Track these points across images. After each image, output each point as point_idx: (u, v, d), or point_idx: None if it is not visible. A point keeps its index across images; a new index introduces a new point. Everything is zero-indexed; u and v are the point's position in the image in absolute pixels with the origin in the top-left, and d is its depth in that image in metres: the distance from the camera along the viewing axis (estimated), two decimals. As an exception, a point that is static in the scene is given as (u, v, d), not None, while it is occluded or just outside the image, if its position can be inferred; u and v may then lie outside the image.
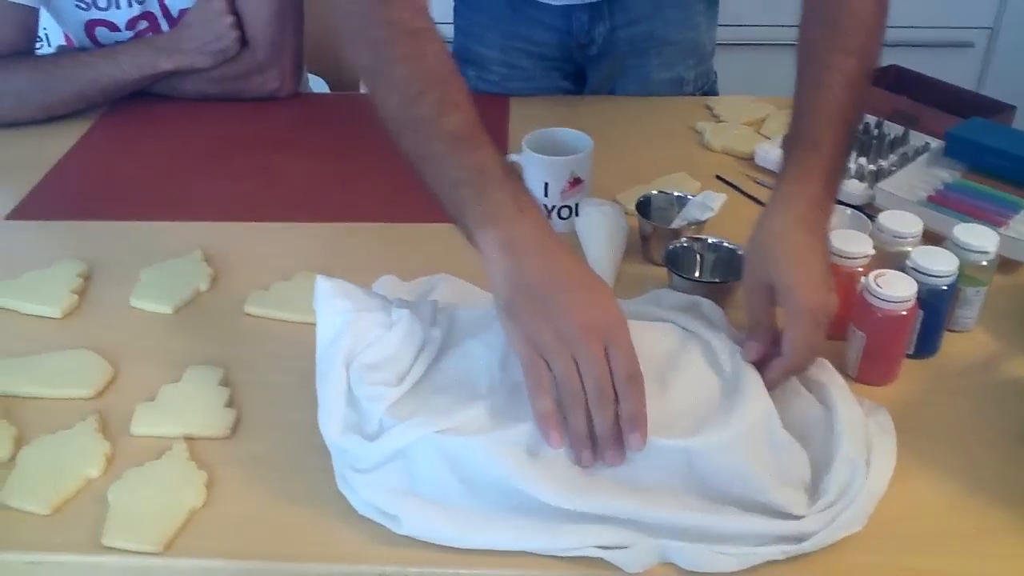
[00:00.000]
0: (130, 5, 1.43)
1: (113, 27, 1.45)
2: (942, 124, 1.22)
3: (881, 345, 0.89)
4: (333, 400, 0.81)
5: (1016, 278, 1.05)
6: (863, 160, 1.21)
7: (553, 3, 1.42)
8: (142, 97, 1.45)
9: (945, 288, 0.90)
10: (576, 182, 1.11)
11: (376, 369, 0.82)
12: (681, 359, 0.85)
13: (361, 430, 0.80)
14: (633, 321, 0.80)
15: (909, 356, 0.93)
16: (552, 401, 0.78)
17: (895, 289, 0.86)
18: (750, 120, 1.38)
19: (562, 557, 0.75)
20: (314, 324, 0.85)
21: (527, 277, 0.79)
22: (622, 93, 1.50)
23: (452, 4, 1.52)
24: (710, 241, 1.04)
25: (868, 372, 0.91)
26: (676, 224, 1.08)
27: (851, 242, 0.92)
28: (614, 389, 0.77)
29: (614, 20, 1.44)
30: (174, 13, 1.44)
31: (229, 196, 1.25)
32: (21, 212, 1.21)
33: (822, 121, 0.89)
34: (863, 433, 0.81)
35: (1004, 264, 1.00)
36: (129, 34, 1.45)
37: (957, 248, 0.93)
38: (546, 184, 1.09)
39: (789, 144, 0.92)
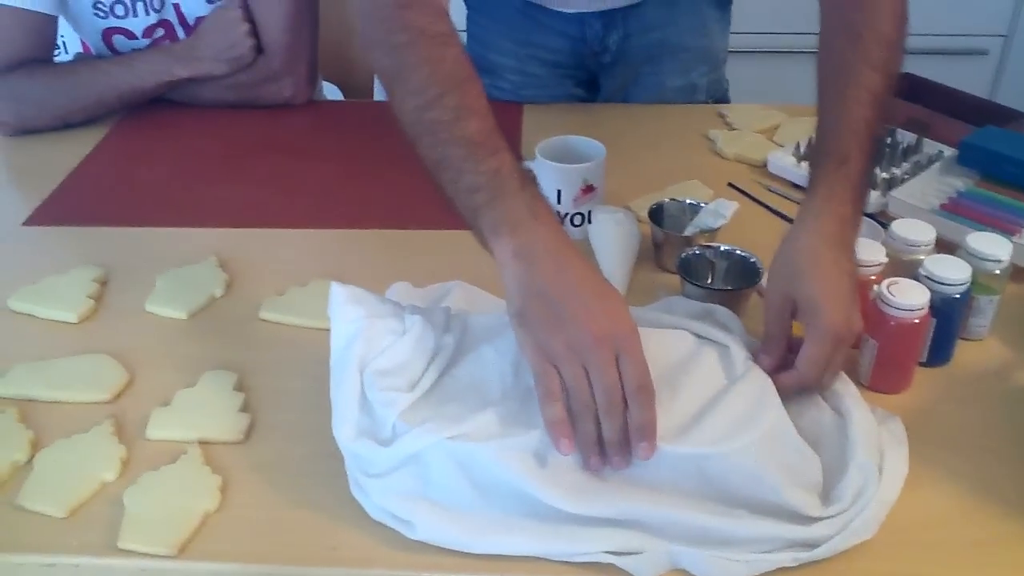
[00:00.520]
0: (147, 13, 1.44)
1: (130, 35, 1.46)
2: (956, 132, 1.22)
3: (894, 353, 0.89)
4: (347, 405, 0.81)
5: (1029, 287, 1.04)
6: (876, 168, 1.21)
7: (567, 11, 1.43)
8: (158, 104, 1.46)
9: (958, 296, 0.90)
10: (589, 189, 1.11)
11: (389, 375, 0.83)
12: (693, 365, 0.85)
13: (374, 435, 0.80)
14: (645, 328, 0.80)
15: (922, 364, 0.93)
16: (562, 408, 0.78)
17: (908, 297, 0.87)
18: (762, 128, 1.38)
19: (574, 562, 0.75)
20: (328, 330, 0.86)
21: (540, 284, 0.79)
22: (635, 100, 1.50)
23: (465, 12, 1.53)
24: (722, 249, 1.04)
25: (881, 380, 0.91)
26: (688, 232, 1.08)
27: (864, 250, 0.92)
28: (624, 398, 0.77)
29: (628, 28, 1.44)
30: (190, 21, 1.45)
31: (244, 202, 1.25)
32: (38, 218, 1.23)
33: (850, 137, 0.89)
34: (876, 441, 0.81)
35: (1017, 272, 0.99)
36: (146, 42, 1.47)
37: (970, 256, 0.93)
38: (559, 191, 1.10)
39: (817, 160, 0.91)
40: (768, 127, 1.39)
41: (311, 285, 1.06)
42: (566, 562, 0.75)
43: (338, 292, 0.86)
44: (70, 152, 1.37)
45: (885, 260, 0.93)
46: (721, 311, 0.93)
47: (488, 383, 0.85)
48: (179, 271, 1.09)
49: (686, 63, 1.49)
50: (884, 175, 1.19)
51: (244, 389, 0.93)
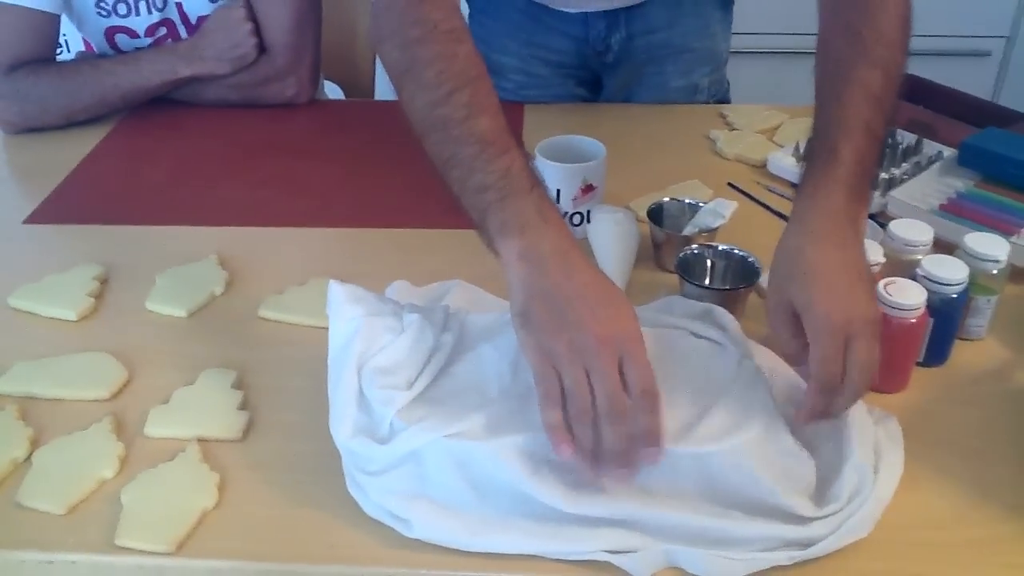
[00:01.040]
0: (149, 12, 1.45)
1: (133, 34, 1.46)
2: (957, 134, 1.21)
3: (891, 353, 0.89)
4: (344, 403, 0.82)
5: (1028, 287, 1.04)
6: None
7: (570, 11, 1.43)
8: (159, 103, 1.46)
9: (955, 296, 0.90)
10: (589, 189, 1.11)
11: (387, 373, 0.83)
12: (690, 365, 0.86)
13: (372, 433, 0.81)
14: (644, 328, 0.80)
15: (919, 364, 0.93)
16: (562, 412, 0.76)
17: (906, 297, 0.87)
18: (763, 128, 1.38)
19: (571, 561, 0.75)
20: (327, 328, 0.86)
21: (544, 286, 0.78)
22: (637, 100, 1.51)
23: (468, 11, 1.53)
24: (721, 248, 1.04)
25: (878, 380, 0.90)
26: (688, 231, 1.08)
27: (862, 250, 0.92)
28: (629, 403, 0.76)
29: (631, 28, 1.44)
30: (193, 20, 1.46)
31: (244, 201, 1.26)
32: (40, 216, 1.23)
33: (841, 132, 0.86)
34: (871, 440, 0.81)
35: (1016, 273, 1.00)
36: (149, 41, 1.47)
37: (968, 257, 0.93)
38: (558, 190, 1.10)
39: (806, 160, 0.89)
40: (769, 128, 1.39)
41: (310, 283, 1.06)
42: (563, 560, 0.75)
43: (336, 290, 0.87)
44: (71, 151, 1.37)
45: (883, 260, 0.93)
46: (719, 311, 0.93)
47: (486, 382, 0.85)
48: (179, 269, 1.09)
49: (689, 64, 1.49)
50: (884, 175, 1.19)
51: (243, 387, 0.93)
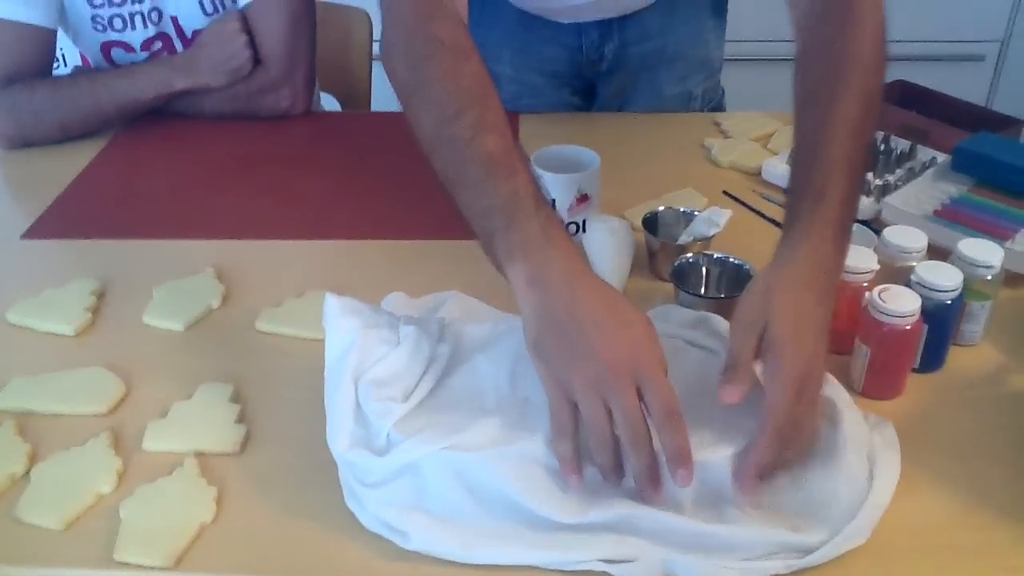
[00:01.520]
0: (145, 26, 1.45)
1: (129, 48, 1.47)
2: (950, 139, 1.22)
3: (886, 359, 0.90)
4: (341, 415, 0.82)
5: (1022, 292, 1.04)
6: (870, 175, 1.21)
7: (563, 21, 1.43)
8: (155, 116, 1.47)
9: (950, 303, 0.90)
10: (583, 198, 1.11)
11: (384, 385, 0.83)
12: (686, 374, 0.86)
13: (369, 445, 0.81)
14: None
15: (914, 370, 0.93)
16: (573, 446, 0.77)
17: (900, 304, 0.87)
18: (757, 136, 1.39)
19: (568, 571, 0.75)
20: (324, 341, 0.86)
21: (554, 313, 0.77)
22: (631, 108, 1.51)
23: (463, 22, 1.53)
24: (716, 256, 1.04)
25: (873, 386, 0.91)
26: (682, 240, 1.08)
27: (856, 257, 0.92)
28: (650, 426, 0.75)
29: (624, 36, 1.45)
30: (188, 34, 1.46)
31: (241, 214, 1.26)
32: (37, 231, 1.23)
33: (827, 171, 0.84)
34: (867, 446, 0.81)
35: (1010, 278, 1.00)
36: (145, 55, 1.48)
37: (962, 262, 0.93)
38: (553, 201, 1.10)
39: (792, 196, 0.86)
40: (763, 135, 1.39)
41: (307, 296, 1.06)
42: (561, 570, 0.75)
43: (332, 303, 0.87)
44: (68, 164, 1.37)
45: (877, 267, 0.93)
46: (715, 319, 0.94)
47: (483, 393, 0.85)
48: (176, 283, 1.10)
49: (683, 71, 1.50)
50: (878, 181, 1.19)
51: (240, 400, 0.93)
